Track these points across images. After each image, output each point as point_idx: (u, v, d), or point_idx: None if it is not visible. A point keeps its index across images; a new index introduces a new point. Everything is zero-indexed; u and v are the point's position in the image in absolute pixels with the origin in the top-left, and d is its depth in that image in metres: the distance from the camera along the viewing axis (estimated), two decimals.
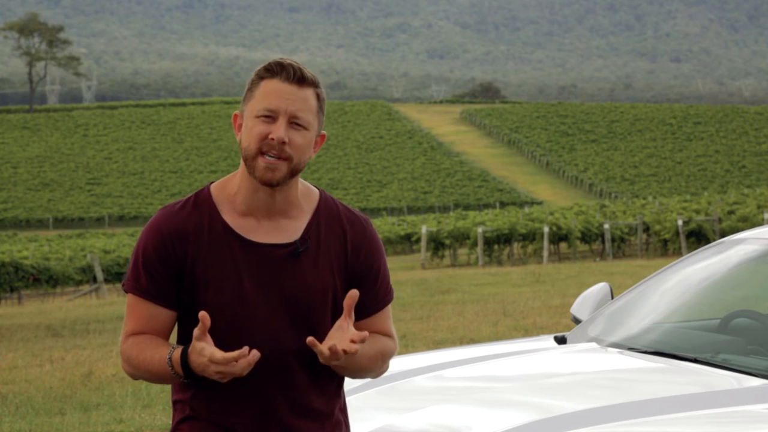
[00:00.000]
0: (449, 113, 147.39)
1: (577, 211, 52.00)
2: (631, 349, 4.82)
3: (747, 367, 4.40)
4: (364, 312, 3.28)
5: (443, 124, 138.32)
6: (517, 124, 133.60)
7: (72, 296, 33.37)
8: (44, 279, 33.95)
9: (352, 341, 3.07)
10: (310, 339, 3.07)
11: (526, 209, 67.77)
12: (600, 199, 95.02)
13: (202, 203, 3.24)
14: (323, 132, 3.26)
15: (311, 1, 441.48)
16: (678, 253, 36.21)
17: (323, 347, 3.06)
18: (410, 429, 4.06)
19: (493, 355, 4.97)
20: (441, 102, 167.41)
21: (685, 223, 37.21)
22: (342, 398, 3.35)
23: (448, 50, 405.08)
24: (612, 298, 5.46)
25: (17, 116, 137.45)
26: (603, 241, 40.51)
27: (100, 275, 33.81)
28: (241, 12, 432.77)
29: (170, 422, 3.38)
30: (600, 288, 5.50)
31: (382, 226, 58.00)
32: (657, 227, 38.58)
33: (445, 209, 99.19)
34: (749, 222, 36.94)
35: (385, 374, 3.49)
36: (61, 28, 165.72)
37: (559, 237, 39.93)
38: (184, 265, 3.19)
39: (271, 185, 3.16)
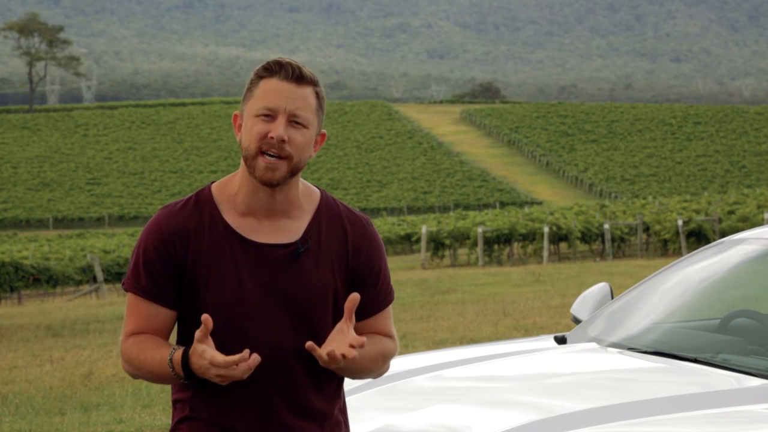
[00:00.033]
0: (449, 113, 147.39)
1: (577, 211, 52.01)
2: (631, 349, 4.82)
3: (747, 367, 4.40)
4: (365, 313, 3.27)
5: (443, 124, 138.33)
6: (517, 124, 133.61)
7: (72, 296, 33.37)
8: (44, 279, 33.94)
9: (351, 346, 3.07)
10: (309, 344, 3.07)
11: (526, 209, 67.77)
12: (600, 199, 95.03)
13: (202, 203, 3.24)
14: (323, 131, 3.25)
15: (311, 1, 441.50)
16: (678, 253, 36.21)
17: (322, 352, 3.06)
18: (410, 429, 4.06)
19: (493, 355, 4.97)
20: (441, 102, 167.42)
21: (685, 223, 37.21)
22: (342, 398, 3.35)
23: (448, 50, 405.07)
24: (612, 298, 5.46)
25: (17, 116, 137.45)
26: (603, 241, 40.51)
27: (100, 275, 33.81)
28: (241, 12, 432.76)
29: (170, 422, 3.37)
30: (600, 288, 5.50)
31: (382, 226, 58.00)
32: (657, 227, 38.58)
33: (445, 209, 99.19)
34: (749, 222, 36.94)
35: (385, 374, 3.49)
36: (61, 28, 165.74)
37: (559, 237, 39.93)
38: (184, 264, 3.19)
39: (272, 185, 3.16)
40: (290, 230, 3.23)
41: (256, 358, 3.03)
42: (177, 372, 3.10)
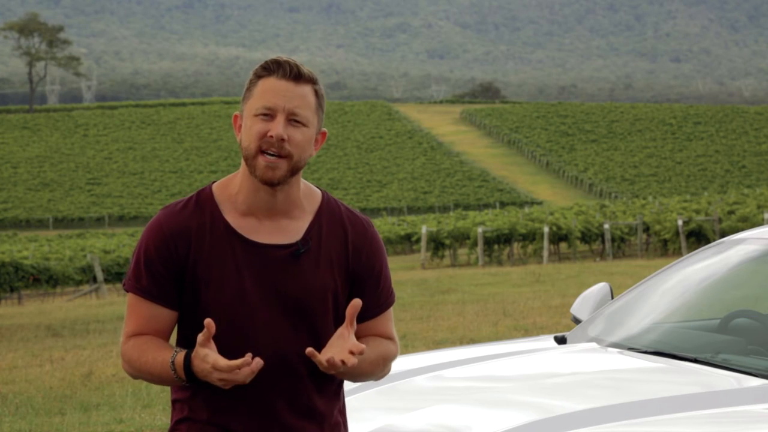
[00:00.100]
0: (449, 113, 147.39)
1: (577, 211, 52.00)
2: (631, 349, 4.82)
3: (747, 367, 4.40)
4: (366, 314, 3.27)
5: (443, 124, 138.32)
6: (517, 124, 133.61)
7: (72, 296, 33.37)
8: (44, 279, 33.94)
9: (351, 353, 3.07)
10: (309, 350, 3.06)
11: (526, 209, 67.77)
12: (600, 199, 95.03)
13: (203, 203, 3.24)
14: (324, 129, 3.25)
15: (311, 1, 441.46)
16: (678, 253, 36.21)
17: (321, 358, 3.06)
18: (410, 429, 4.06)
19: (493, 355, 4.97)
20: (441, 102, 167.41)
21: (685, 223, 37.21)
22: (341, 400, 3.34)
23: (448, 50, 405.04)
24: (612, 298, 5.46)
25: (17, 116, 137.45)
26: (603, 241, 40.51)
27: (100, 275, 33.81)
28: (241, 12, 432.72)
29: (170, 422, 3.37)
30: (600, 288, 5.50)
31: (382, 226, 58.00)
32: (657, 227, 38.58)
33: (445, 209, 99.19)
34: (749, 222, 36.94)
35: None
36: (61, 28, 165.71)
37: (559, 237, 39.93)
38: (185, 264, 3.19)
39: (272, 184, 3.16)
40: (291, 230, 3.22)
41: (258, 362, 3.03)
42: (179, 375, 3.10)
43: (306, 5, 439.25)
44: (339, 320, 3.22)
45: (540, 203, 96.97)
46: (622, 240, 40.67)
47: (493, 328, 15.36)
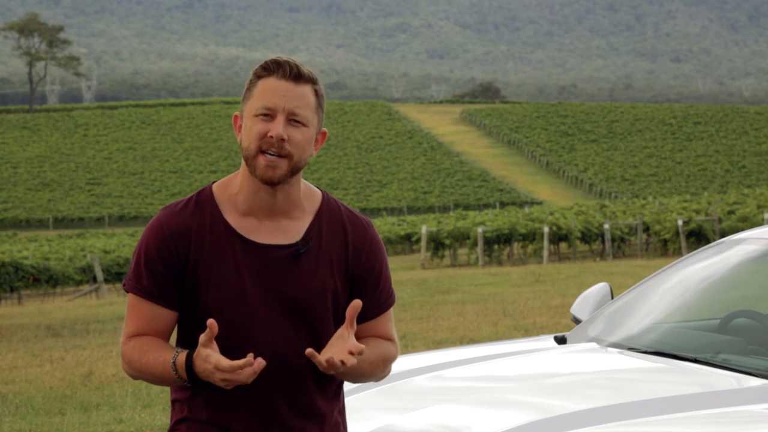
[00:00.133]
0: (449, 113, 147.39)
1: (577, 211, 52.01)
2: (631, 349, 4.82)
3: (747, 367, 4.41)
4: (366, 315, 3.26)
5: (443, 124, 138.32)
6: (517, 124, 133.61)
7: (72, 296, 33.37)
8: (44, 279, 33.94)
9: (350, 353, 3.07)
10: (308, 350, 3.06)
11: (526, 209, 67.77)
12: (600, 199, 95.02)
13: (204, 203, 3.23)
14: (324, 129, 3.25)
15: (311, 1, 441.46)
16: (678, 253, 36.20)
17: (321, 358, 3.06)
18: (410, 429, 4.06)
19: (493, 355, 4.97)
20: (441, 102, 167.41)
21: (685, 223, 37.21)
22: (341, 401, 3.34)
23: (448, 50, 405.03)
24: (612, 298, 5.46)
25: (17, 116, 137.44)
26: (603, 241, 40.51)
27: (100, 275, 33.81)
28: (241, 12, 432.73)
29: (169, 422, 3.37)
30: (600, 288, 5.50)
31: (382, 226, 57.99)
32: (657, 227, 38.58)
33: (445, 209, 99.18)
34: (749, 222, 36.94)
35: None
36: (61, 28, 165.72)
37: (559, 237, 39.93)
38: (186, 265, 3.18)
39: (272, 183, 3.16)
40: (291, 231, 3.22)
41: (261, 362, 3.03)
42: (180, 375, 3.10)
43: (306, 5, 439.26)
44: (339, 321, 3.22)
45: (540, 203, 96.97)
46: (622, 240, 40.67)
47: (493, 328, 15.36)
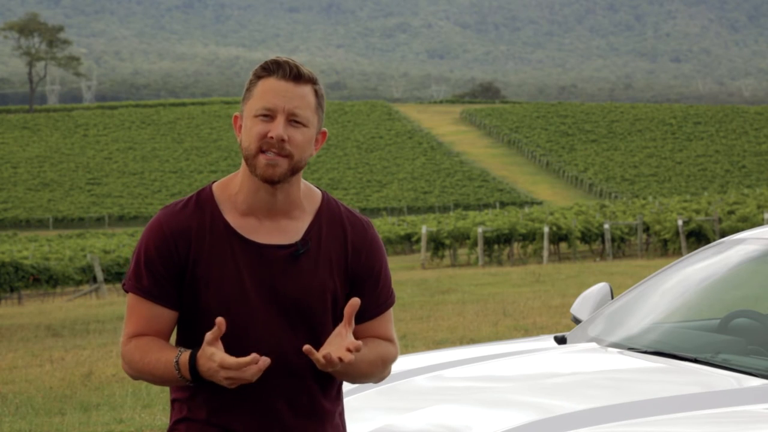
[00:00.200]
0: (449, 113, 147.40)
1: (577, 211, 52.01)
2: (631, 349, 4.82)
3: (747, 367, 4.40)
4: (365, 315, 3.26)
5: (443, 124, 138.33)
6: (517, 124, 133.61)
7: (72, 296, 33.37)
8: (44, 279, 33.94)
9: (348, 350, 3.06)
10: (306, 347, 3.06)
11: (526, 209, 67.77)
12: (600, 199, 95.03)
13: (203, 203, 3.23)
14: (324, 129, 3.24)
15: (311, 1, 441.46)
16: (678, 253, 36.20)
17: (319, 355, 3.05)
18: (410, 429, 4.06)
19: (493, 355, 4.97)
20: (441, 102, 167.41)
21: (685, 223, 37.21)
22: (341, 403, 3.34)
23: (448, 50, 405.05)
24: (612, 298, 5.46)
25: (17, 116, 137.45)
26: (603, 241, 40.51)
27: (100, 275, 33.81)
28: (241, 12, 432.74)
29: (169, 422, 3.36)
30: (600, 288, 5.50)
31: (382, 226, 57.99)
32: (657, 227, 38.58)
33: (445, 209, 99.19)
34: (749, 222, 36.94)
35: None
36: (61, 28, 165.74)
37: (559, 237, 39.93)
38: (185, 264, 3.18)
39: (273, 182, 3.15)
40: (291, 231, 3.22)
41: (266, 360, 3.02)
42: (183, 375, 3.09)
43: (306, 5, 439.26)
44: (338, 321, 3.22)
45: (540, 203, 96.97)
46: (622, 240, 40.67)
47: (493, 328, 15.36)
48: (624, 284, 18.99)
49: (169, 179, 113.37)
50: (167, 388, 10.07)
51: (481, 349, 5.21)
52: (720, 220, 38.31)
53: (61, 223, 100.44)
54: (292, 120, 3.15)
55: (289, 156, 3.14)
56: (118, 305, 24.78)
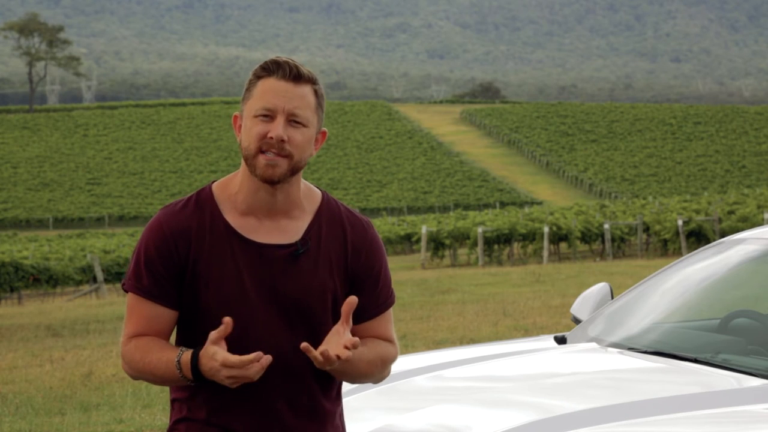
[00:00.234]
0: (449, 113, 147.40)
1: (577, 211, 52.01)
2: (631, 349, 4.82)
3: (747, 367, 4.40)
4: (364, 315, 3.26)
5: (443, 124, 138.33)
6: (517, 124, 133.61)
7: (72, 296, 33.37)
8: (44, 279, 33.95)
9: (345, 347, 3.06)
10: (304, 345, 3.05)
11: (526, 209, 67.77)
12: (600, 199, 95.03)
13: (203, 202, 3.23)
14: (324, 129, 3.24)
15: (311, 1, 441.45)
16: (678, 253, 36.20)
17: (316, 352, 3.05)
18: (410, 429, 4.06)
19: (493, 355, 4.97)
20: (441, 102, 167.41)
21: (685, 223, 37.20)
22: (341, 403, 3.34)
23: (448, 50, 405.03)
24: (612, 298, 5.46)
25: (17, 116, 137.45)
26: (603, 241, 40.50)
27: (100, 275, 33.81)
28: (241, 12, 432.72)
29: (168, 422, 3.36)
30: (600, 288, 5.50)
31: (382, 226, 57.99)
32: (657, 227, 38.58)
33: (445, 209, 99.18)
34: (749, 222, 36.94)
35: None
36: (61, 28, 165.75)
37: (559, 237, 39.93)
38: (185, 264, 3.18)
39: (272, 182, 3.15)
40: (291, 230, 3.22)
41: (268, 358, 3.02)
42: (185, 374, 3.09)
43: (306, 5, 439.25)
44: (338, 320, 3.22)
45: (540, 203, 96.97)
46: (622, 240, 40.67)
47: (493, 328, 15.36)
48: (624, 284, 18.99)
49: (169, 179, 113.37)
50: (167, 388, 10.07)
51: (481, 349, 5.21)
52: (720, 220, 38.31)
53: (61, 223, 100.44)
54: (292, 120, 3.15)
55: (288, 156, 3.14)
56: (118, 305, 24.78)
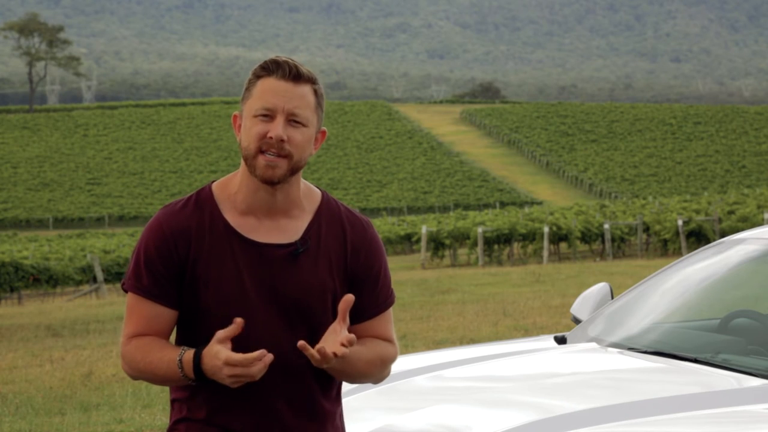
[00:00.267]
0: (449, 113, 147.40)
1: (577, 211, 52.01)
2: (631, 349, 4.82)
3: (747, 367, 4.40)
4: (364, 315, 3.26)
5: (443, 124, 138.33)
6: (517, 124, 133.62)
7: (72, 296, 33.37)
8: (44, 279, 33.94)
9: (342, 344, 3.06)
10: (301, 342, 3.05)
11: (526, 209, 67.78)
12: (600, 199, 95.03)
13: (203, 202, 3.23)
14: (323, 128, 3.24)
15: (311, 1, 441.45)
16: (678, 253, 36.20)
17: (313, 350, 3.05)
18: (410, 429, 4.06)
19: (493, 355, 4.97)
20: (441, 102, 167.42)
21: (685, 223, 37.20)
22: (341, 403, 3.34)
23: (448, 50, 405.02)
24: (612, 298, 5.46)
25: (17, 116, 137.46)
26: (603, 241, 40.50)
27: (100, 275, 33.81)
28: (241, 12, 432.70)
29: (168, 422, 3.36)
30: (600, 288, 5.50)
31: (382, 226, 57.99)
32: (657, 227, 38.58)
33: (445, 209, 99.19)
34: (749, 222, 36.94)
35: None
36: (61, 28, 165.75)
37: (559, 237, 39.93)
38: (185, 264, 3.18)
39: (272, 183, 3.15)
40: (290, 230, 3.22)
41: (270, 356, 3.02)
42: (187, 374, 3.09)
43: (306, 5, 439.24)
44: None
45: (540, 203, 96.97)
46: (622, 240, 40.67)
47: (493, 328, 15.36)
48: (624, 284, 18.99)
49: (169, 179, 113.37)
50: (167, 389, 10.07)
51: (481, 349, 5.21)
52: (720, 220, 38.31)
53: (61, 223, 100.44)
54: (292, 120, 3.14)
55: (288, 156, 3.14)
56: (118, 305, 24.78)
